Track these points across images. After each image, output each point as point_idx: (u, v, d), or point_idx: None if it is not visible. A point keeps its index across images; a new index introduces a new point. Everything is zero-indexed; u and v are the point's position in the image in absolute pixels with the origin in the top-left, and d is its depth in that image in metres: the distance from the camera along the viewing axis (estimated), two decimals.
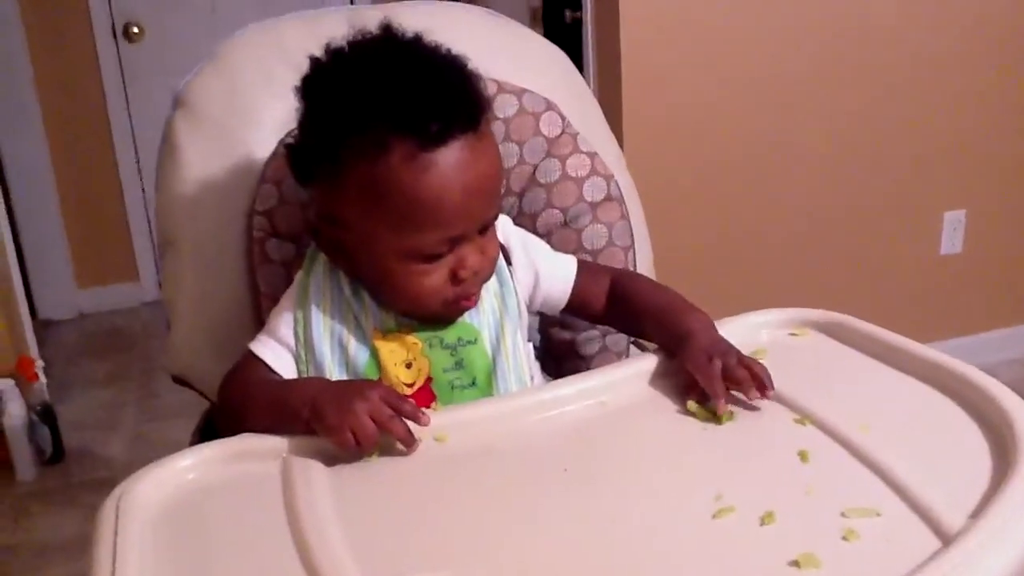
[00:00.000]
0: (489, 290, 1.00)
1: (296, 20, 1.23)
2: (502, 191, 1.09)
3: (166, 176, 1.16)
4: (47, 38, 3.53)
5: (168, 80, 1.57)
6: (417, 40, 0.92)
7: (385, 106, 0.86)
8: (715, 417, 0.87)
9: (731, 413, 0.87)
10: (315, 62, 0.93)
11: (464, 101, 0.90)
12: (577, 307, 1.08)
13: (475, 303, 0.97)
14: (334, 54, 0.92)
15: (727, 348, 0.92)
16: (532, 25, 3.01)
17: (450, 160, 0.87)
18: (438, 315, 0.97)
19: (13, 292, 2.86)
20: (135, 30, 3.61)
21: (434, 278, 0.92)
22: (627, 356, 1.22)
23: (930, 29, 2.44)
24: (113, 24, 3.59)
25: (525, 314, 1.04)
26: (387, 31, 0.93)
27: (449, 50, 0.93)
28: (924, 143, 2.53)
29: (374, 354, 0.96)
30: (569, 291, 1.07)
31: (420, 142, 0.86)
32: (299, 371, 0.97)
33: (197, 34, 3.51)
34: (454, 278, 0.92)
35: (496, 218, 0.96)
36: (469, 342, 0.98)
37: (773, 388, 0.88)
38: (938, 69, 2.48)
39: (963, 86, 2.51)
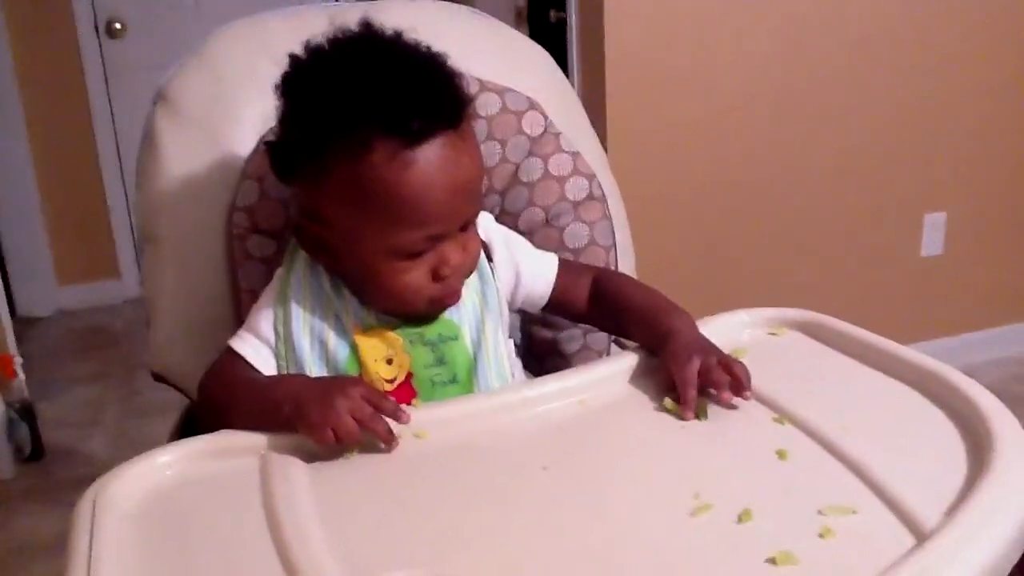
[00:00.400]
0: (470, 287, 1.00)
1: (280, 16, 1.22)
2: (483, 189, 1.09)
3: (147, 172, 1.16)
4: (29, 33, 3.50)
5: (151, 76, 1.56)
6: (397, 38, 0.92)
7: (367, 105, 0.86)
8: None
9: (705, 406, 0.88)
10: (295, 60, 0.93)
11: (446, 99, 0.90)
12: (559, 305, 1.09)
13: (457, 299, 0.97)
14: (314, 52, 0.92)
15: (708, 347, 0.93)
16: (517, 25, 3.01)
17: (431, 158, 0.88)
18: (420, 313, 0.97)
19: None
20: (118, 26, 3.60)
21: (415, 275, 0.92)
22: (608, 354, 1.22)
23: (911, 34, 2.45)
24: (96, 20, 3.57)
25: (506, 311, 1.04)
26: (367, 29, 0.93)
27: (429, 47, 0.93)
28: (905, 146, 2.55)
29: (354, 350, 0.96)
30: (550, 289, 1.07)
31: (402, 140, 0.86)
32: (279, 367, 0.97)
33: (180, 30, 3.50)
34: (435, 275, 0.92)
35: (477, 215, 0.96)
36: (450, 338, 0.98)
37: (750, 389, 0.88)
38: (918, 72, 2.49)
39: (943, 89, 2.53)
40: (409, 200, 0.88)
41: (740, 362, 0.90)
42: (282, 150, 0.95)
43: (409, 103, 0.87)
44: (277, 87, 0.93)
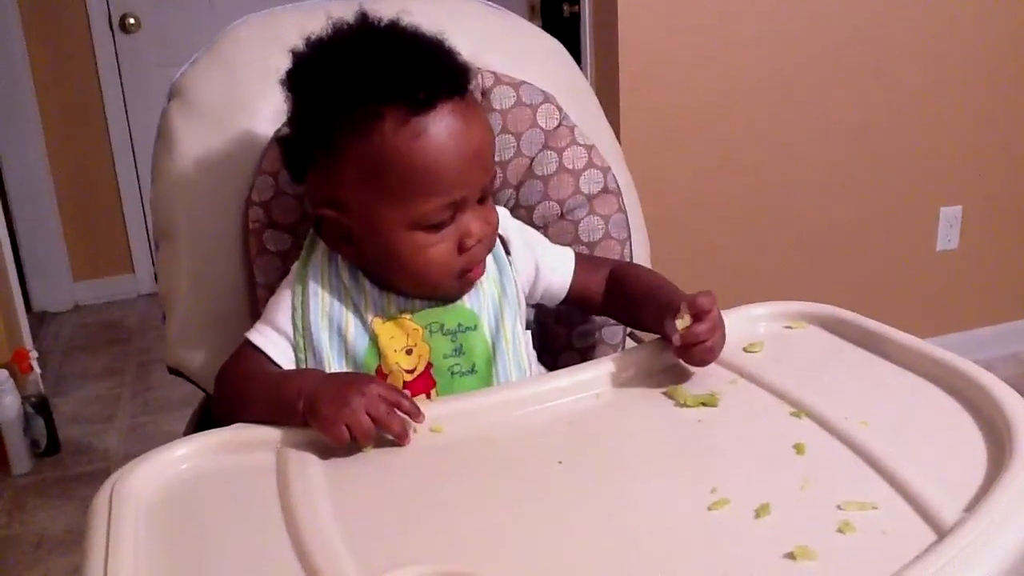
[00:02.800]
0: (489, 277, 1.00)
1: (293, 11, 1.22)
2: (498, 182, 1.09)
3: (162, 167, 1.16)
4: (44, 29, 3.52)
5: (165, 72, 1.57)
6: (394, 23, 0.94)
7: (372, 81, 0.88)
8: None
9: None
10: (297, 55, 0.94)
11: (448, 68, 0.92)
12: (576, 299, 1.09)
13: (482, 271, 0.98)
14: (314, 44, 0.93)
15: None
16: (531, 18, 3.01)
17: (441, 124, 0.89)
18: (448, 290, 0.97)
19: (8, 284, 2.86)
20: (132, 21, 3.61)
21: (441, 249, 0.93)
22: (623, 349, 1.22)
23: (926, 26, 2.44)
24: (110, 15, 3.58)
25: (524, 304, 1.04)
26: (363, 19, 0.94)
27: (424, 30, 0.94)
28: (920, 139, 2.53)
29: (374, 341, 0.96)
30: (568, 284, 1.07)
31: (410, 109, 0.88)
32: (297, 360, 0.97)
33: (194, 26, 3.51)
34: (460, 247, 0.93)
35: (492, 185, 0.97)
36: (469, 328, 0.98)
37: (701, 362, 0.92)
38: (935, 66, 2.48)
39: (960, 83, 2.51)
40: (423, 167, 0.89)
41: (723, 335, 0.92)
42: (294, 144, 0.97)
43: (413, 74, 0.89)
44: (282, 83, 0.95)
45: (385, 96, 0.88)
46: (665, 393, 0.90)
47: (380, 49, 0.90)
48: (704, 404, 0.88)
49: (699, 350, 0.90)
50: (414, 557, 0.68)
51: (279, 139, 1.01)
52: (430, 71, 0.90)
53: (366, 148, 0.89)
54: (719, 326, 0.92)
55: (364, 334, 0.97)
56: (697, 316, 0.90)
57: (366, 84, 0.88)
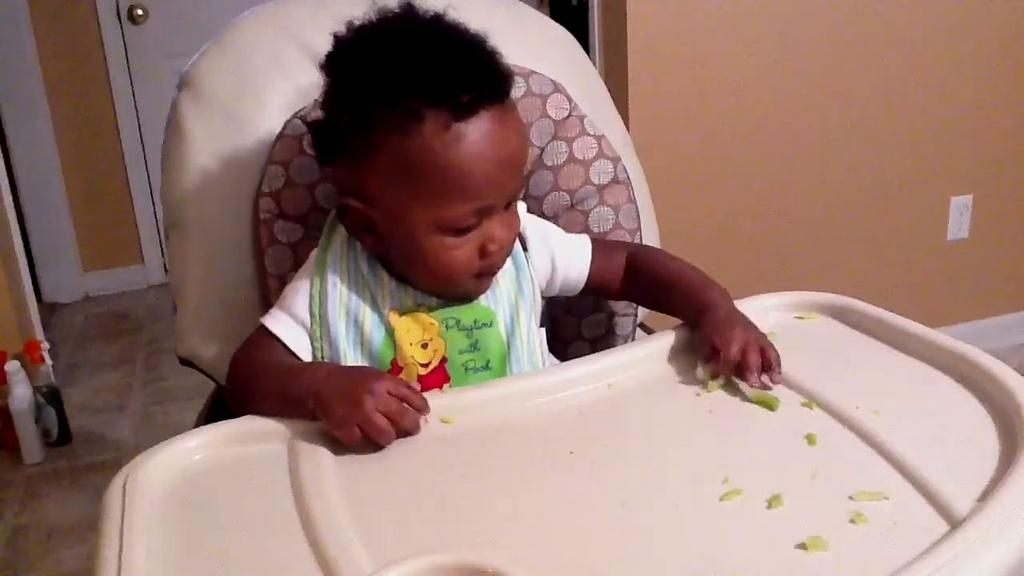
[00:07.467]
0: (506, 274, 1.00)
1: (303, 1, 1.22)
2: (527, 164, 1.09)
3: (172, 157, 1.16)
4: (52, 20, 3.52)
5: (173, 62, 1.57)
6: (439, 17, 0.93)
7: (416, 78, 0.87)
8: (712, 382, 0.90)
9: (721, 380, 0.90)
10: (339, 39, 0.93)
11: (492, 73, 0.91)
12: (595, 287, 1.09)
13: (500, 267, 0.98)
14: (358, 30, 0.93)
15: (749, 323, 0.93)
16: (539, 7, 2.99)
17: (481, 131, 0.88)
18: (465, 290, 0.97)
19: (19, 275, 2.87)
20: (140, 12, 3.60)
21: (464, 251, 0.93)
22: (633, 339, 1.21)
23: (938, 13, 2.42)
24: (118, 6, 3.58)
25: (539, 300, 1.04)
26: (409, 9, 0.93)
27: (468, 27, 0.93)
28: (931, 128, 2.52)
29: (390, 333, 0.96)
30: (586, 273, 1.07)
31: (452, 113, 0.87)
32: (313, 349, 0.97)
33: (202, 16, 3.50)
34: (482, 252, 0.93)
35: (521, 190, 0.97)
36: (485, 325, 0.98)
37: (780, 374, 0.89)
38: (946, 55, 2.46)
39: (970, 71, 2.50)
40: (459, 173, 0.88)
41: (774, 346, 0.90)
42: (326, 130, 0.96)
43: (457, 77, 0.88)
44: (322, 66, 0.94)
45: (427, 96, 0.87)
46: (689, 393, 0.90)
47: (425, 45, 0.89)
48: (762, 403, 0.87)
49: (748, 375, 0.89)
50: (426, 546, 0.68)
51: (310, 124, 1.00)
52: (475, 75, 0.89)
53: (402, 147, 0.88)
54: (755, 341, 0.90)
55: (380, 326, 0.97)
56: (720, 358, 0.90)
57: (409, 81, 0.87)
